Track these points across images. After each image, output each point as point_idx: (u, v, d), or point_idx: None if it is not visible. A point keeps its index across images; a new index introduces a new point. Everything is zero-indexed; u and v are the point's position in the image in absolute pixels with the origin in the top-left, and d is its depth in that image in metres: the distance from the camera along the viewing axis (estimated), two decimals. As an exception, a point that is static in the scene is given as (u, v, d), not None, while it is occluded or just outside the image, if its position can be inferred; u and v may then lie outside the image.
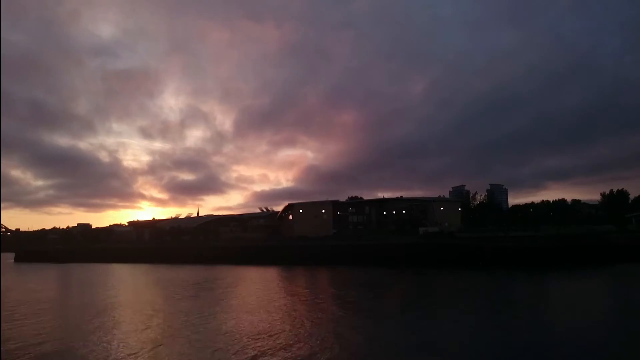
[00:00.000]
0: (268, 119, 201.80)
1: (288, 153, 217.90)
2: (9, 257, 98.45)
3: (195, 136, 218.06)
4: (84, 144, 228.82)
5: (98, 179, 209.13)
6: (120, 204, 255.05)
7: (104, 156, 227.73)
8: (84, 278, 53.59)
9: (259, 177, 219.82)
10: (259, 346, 16.89)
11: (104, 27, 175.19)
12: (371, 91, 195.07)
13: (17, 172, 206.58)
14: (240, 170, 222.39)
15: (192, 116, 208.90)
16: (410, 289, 36.21)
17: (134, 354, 16.21)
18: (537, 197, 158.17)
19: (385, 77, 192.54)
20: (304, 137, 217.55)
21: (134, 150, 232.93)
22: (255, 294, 32.48)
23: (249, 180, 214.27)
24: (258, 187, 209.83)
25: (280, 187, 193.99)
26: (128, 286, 42.35)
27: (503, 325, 21.10)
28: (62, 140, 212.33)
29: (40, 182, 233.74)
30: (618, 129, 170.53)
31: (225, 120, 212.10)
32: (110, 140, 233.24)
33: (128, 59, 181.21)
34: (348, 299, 29.74)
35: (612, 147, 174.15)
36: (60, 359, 16.33)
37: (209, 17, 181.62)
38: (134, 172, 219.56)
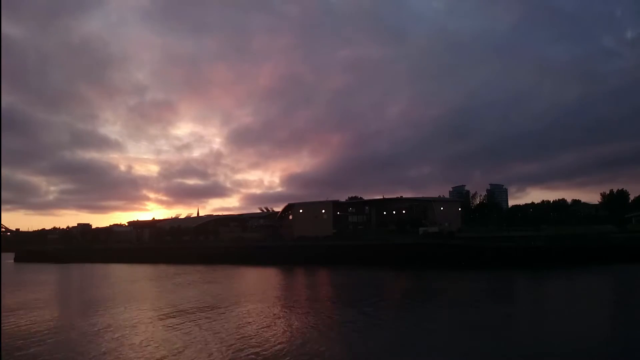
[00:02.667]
0: (263, 137, 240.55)
1: (282, 163, 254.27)
2: (8, 257, 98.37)
3: (200, 151, 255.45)
4: (104, 157, 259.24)
5: (109, 184, 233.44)
6: (128, 206, 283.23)
7: (119, 165, 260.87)
8: (91, 278, 53.59)
9: (255, 183, 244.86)
10: (253, 345, 16.89)
11: (140, 70, 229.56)
12: (354, 114, 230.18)
13: (34, 179, 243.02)
14: (237, 176, 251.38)
15: (199, 137, 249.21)
16: (410, 289, 36.19)
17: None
18: (515, 202, 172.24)
19: (366, 103, 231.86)
20: (296, 150, 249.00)
21: (146, 162, 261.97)
22: (254, 293, 32.47)
23: (245, 185, 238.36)
24: (254, 191, 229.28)
25: (272, 191, 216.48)
26: (127, 285, 42.38)
27: (502, 325, 21.09)
28: (86, 155, 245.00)
29: (53, 187, 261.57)
30: (578, 141, 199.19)
31: (226, 138, 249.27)
32: (128, 155, 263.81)
33: (156, 93, 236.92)
34: (346, 299, 29.71)
35: (576, 156, 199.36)
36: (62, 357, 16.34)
37: (216, 63, 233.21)
38: (143, 179, 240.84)
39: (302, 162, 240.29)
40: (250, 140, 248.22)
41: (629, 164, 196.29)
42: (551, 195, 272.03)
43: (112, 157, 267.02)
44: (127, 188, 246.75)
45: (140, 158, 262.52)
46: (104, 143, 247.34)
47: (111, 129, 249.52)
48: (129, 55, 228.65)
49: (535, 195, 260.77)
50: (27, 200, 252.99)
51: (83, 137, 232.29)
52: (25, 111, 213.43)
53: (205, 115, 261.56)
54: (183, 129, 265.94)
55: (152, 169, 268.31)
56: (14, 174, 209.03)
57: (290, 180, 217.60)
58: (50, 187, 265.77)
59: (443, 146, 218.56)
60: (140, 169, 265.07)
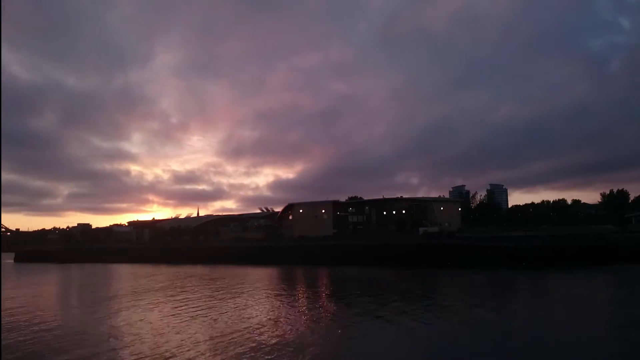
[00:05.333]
0: (258, 150, 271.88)
1: (278, 170, 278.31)
2: (8, 257, 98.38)
3: (204, 161, 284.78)
4: (121, 167, 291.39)
5: (116, 188, 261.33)
6: (134, 208, 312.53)
7: (130, 172, 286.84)
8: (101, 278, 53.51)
9: (252, 186, 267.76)
10: (247, 344, 16.92)
11: (165, 102, 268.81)
12: (343, 132, 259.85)
13: (48, 184, 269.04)
14: (236, 181, 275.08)
15: (204, 149, 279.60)
16: (409, 289, 36.21)
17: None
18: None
19: (354, 123, 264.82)
20: (289, 160, 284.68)
21: (155, 169, 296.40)
22: (252, 293, 32.52)
23: (243, 189, 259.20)
24: (250, 193, 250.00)
25: (269, 195, 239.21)
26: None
27: (502, 325, 21.11)
28: (106, 165, 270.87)
29: (67, 191, 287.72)
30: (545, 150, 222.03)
31: (227, 150, 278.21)
32: (142, 165, 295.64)
33: (175, 118, 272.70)
34: (345, 299, 29.72)
35: (546, 163, 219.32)
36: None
37: (226, 94, 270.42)
38: (151, 184, 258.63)
39: (295, 170, 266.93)
40: (248, 151, 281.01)
41: (598, 169, 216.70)
42: (533, 198, 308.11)
43: (126, 165, 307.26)
44: (134, 192, 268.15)
45: (151, 166, 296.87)
46: (127, 156, 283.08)
47: (134, 145, 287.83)
48: (158, 93, 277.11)
49: (518, 198, 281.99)
50: (37, 203, 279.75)
51: (107, 152, 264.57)
52: (59, 132, 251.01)
53: (210, 132, 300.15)
54: (192, 143, 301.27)
55: (161, 176, 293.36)
56: (31, 181, 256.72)
57: (285, 185, 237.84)
58: (64, 192, 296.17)
59: (423, 158, 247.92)
60: (150, 176, 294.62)
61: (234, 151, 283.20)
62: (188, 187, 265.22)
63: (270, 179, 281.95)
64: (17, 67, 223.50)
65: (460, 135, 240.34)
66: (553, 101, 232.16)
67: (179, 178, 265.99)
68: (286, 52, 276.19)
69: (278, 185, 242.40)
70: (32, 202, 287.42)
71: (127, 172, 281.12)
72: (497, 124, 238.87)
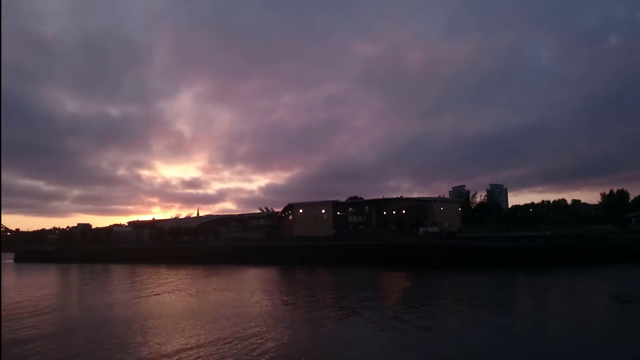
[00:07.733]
0: (260, 158, 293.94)
1: (276, 175, 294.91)
2: (8, 257, 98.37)
3: (207, 168, 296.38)
4: (128, 172, 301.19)
5: (125, 192, 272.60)
6: (141, 209, 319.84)
7: (140, 177, 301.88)
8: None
9: (249, 189, 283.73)
10: (244, 344, 16.92)
11: (179, 120, 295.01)
12: (336, 143, 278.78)
13: (57, 189, 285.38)
14: (233, 185, 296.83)
15: (206, 157, 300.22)
16: (409, 289, 36.22)
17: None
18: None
19: (346, 138, 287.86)
20: (287, 167, 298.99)
21: (162, 174, 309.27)
22: (252, 293, 32.51)
23: (240, 192, 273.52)
24: (247, 196, 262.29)
25: (267, 197, 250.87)
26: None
27: (502, 325, 21.10)
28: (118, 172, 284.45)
29: (76, 193, 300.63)
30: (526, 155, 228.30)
31: (227, 159, 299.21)
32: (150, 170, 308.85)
33: (185, 131, 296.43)
34: (344, 300, 29.72)
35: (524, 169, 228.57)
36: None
37: (227, 116, 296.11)
38: (156, 187, 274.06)
39: (293, 175, 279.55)
40: (250, 160, 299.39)
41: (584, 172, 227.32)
42: (521, 200, 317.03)
43: (137, 171, 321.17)
44: (140, 195, 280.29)
45: (160, 172, 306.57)
46: (140, 164, 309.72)
47: (149, 155, 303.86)
48: (176, 116, 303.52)
49: (510, 200, 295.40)
50: (43, 205, 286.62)
51: (124, 161, 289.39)
52: (86, 146, 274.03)
53: (216, 144, 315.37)
54: (198, 153, 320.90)
55: (168, 181, 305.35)
56: (43, 186, 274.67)
57: (283, 189, 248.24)
58: (73, 194, 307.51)
59: (407, 166, 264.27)
60: (159, 179, 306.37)
61: (236, 159, 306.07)
62: (192, 191, 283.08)
63: (270, 182, 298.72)
64: (72, 104, 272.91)
65: (440, 146, 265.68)
66: (519, 116, 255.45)
67: (184, 183, 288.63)
68: (290, 88, 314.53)
69: (277, 188, 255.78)
70: (38, 204, 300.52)
71: (138, 177, 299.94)
72: (474, 136, 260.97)
